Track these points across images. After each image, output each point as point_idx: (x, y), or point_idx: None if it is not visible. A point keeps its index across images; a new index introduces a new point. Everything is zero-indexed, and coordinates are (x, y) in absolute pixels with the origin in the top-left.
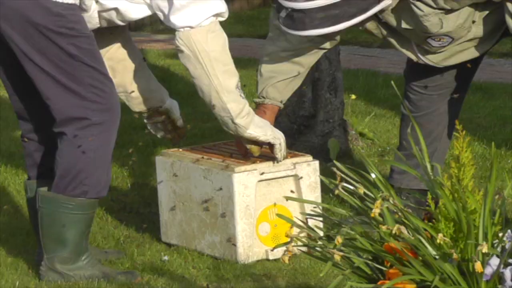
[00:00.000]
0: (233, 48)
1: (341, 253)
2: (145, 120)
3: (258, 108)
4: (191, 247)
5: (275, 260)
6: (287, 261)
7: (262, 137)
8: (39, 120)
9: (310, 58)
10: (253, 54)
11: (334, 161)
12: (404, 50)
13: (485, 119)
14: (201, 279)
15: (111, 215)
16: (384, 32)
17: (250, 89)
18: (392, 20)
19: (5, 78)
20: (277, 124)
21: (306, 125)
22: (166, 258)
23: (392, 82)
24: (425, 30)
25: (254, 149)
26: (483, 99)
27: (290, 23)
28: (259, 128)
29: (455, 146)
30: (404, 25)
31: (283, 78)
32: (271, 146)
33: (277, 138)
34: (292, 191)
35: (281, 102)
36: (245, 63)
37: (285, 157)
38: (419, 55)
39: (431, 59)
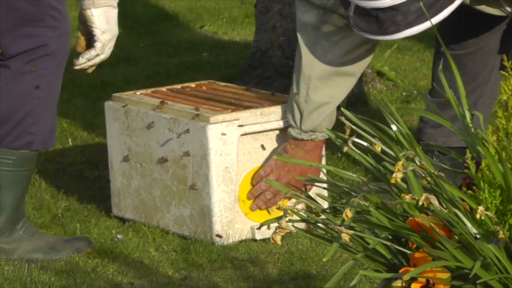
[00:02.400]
0: None
1: (351, 232)
2: None
3: (299, 145)
4: (152, 223)
5: (263, 240)
6: (279, 242)
7: (94, 29)
8: None
9: (365, 62)
10: None
11: (343, 109)
12: (481, 7)
13: None
14: (166, 264)
15: (46, 180)
16: None
17: (230, 12)
18: None
19: None
20: (267, 58)
21: None
22: (119, 237)
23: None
24: None
25: (82, 42)
26: None
27: (375, 27)
28: (103, 18)
29: (502, 89)
30: None
31: (341, 100)
32: (94, 42)
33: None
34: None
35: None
36: None
37: (86, 68)
38: (507, 8)
39: None
